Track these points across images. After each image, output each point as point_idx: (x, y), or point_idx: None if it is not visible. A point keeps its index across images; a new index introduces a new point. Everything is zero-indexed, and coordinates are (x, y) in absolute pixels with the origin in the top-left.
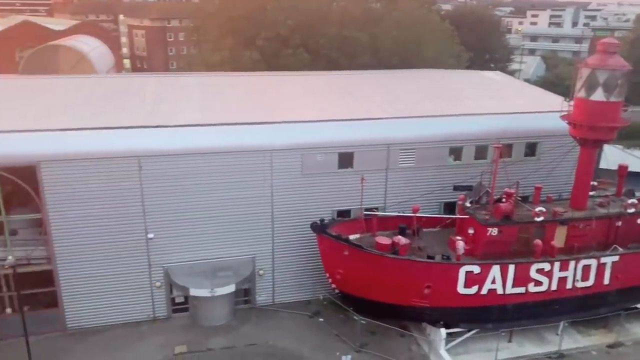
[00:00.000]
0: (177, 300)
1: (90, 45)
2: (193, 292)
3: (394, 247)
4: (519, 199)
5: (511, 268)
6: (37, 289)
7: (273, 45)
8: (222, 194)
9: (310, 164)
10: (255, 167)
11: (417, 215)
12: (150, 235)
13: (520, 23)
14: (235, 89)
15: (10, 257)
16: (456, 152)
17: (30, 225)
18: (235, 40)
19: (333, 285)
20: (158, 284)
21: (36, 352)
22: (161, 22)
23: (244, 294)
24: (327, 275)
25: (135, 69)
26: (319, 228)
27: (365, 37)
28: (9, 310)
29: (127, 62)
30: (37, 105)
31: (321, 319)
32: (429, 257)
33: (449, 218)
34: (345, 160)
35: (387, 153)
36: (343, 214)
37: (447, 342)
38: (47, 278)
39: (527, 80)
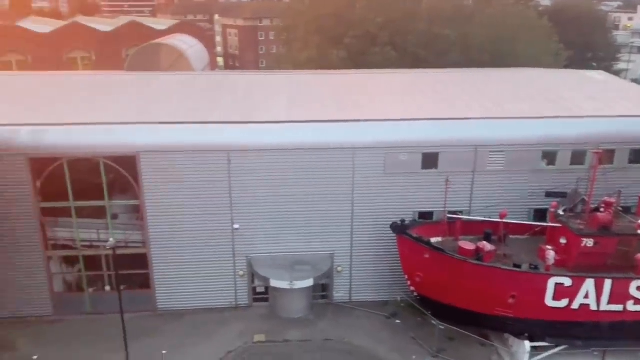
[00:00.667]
0: (258, 290)
1: (188, 44)
2: (273, 283)
3: (477, 253)
4: (620, 209)
5: (607, 283)
6: (133, 271)
7: (360, 44)
8: (305, 189)
9: (393, 163)
10: (338, 164)
11: (505, 221)
12: (236, 226)
13: (630, 19)
14: (321, 87)
15: (111, 240)
16: (550, 156)
17: (129, 210)
18: (322, 39)
19: (412, 288)
20: (241, 272)
21: (130, 328)
22: (253, 22)
23: (322, 290)
24: (406, 277)
25: (227, 66)
26: (400, 229)
27: (455, 34)
28: (108, 288)
29: (220, 60)
30: (139, 100)
31: (398, 321)
32: (516, 265)
33: (539, 226)
34: (430, 160)
35: (474, 155)
36: (425, 215)
37: (532, 355)
38: (141, 261)
39: (634, 81)
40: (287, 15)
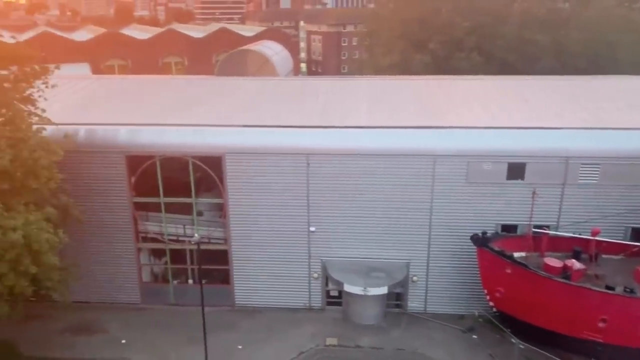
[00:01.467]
0: (332, 293)
1: (273, 50)
2: (347, 287)
3: (565, 271)
4: None
5: None
6: (214, 266)
7: (445, 48)
8: (382, 195)
9: (476, 173)
10: (418, 171)
11: (597, 239)
12: (312, 229)
13: None
14: (403, 92)
15: (196, 235)
16: None
17: (213, 208)
18: (406, 44)
19: (491, 303)
20: (315, 275)
21: (209, 321)
22: (337, 28)
23: (396, 298)
24: (485, 291)
25: (310, 72)
26: (480, 241)
27: (547, 39)
28: (190, 281)
29: (303, 66)
30: (226, 103)
31: (475, 336)
32: (608, 287)
33: (637, 246)
34: (516, 171)
35: (565, 166)
36: (508, 228)
37: None
38: (223, 257)
39: None
40: (371, 20)
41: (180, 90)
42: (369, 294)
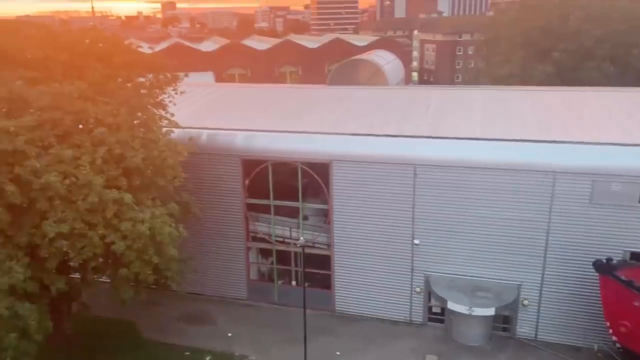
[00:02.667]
0: (434, 309)
1: (385, 59)
2: (451, 305)
3: None
4: None
5: None
6: (317, 270)
7: (571, 58)
8: (494, 212)
9: (602, 193)
10: (535, 188)
11: None
12: (417, 242)
13: None
14: (521, 103)
15: (302, 238)
16: None
17: (319, 214)
18: (527, 53)
19: (614, 338)
20: (418, 289)
21: (309, 324)
22: (452, 36)
23: (503, 321)
24: (608, 324)
25: (422, 81)
26: (605, 268)
27: None
28: (294, 283)
29: (414, 75)
30: (337, 112)
31: None
32: None
33: None
34: None
35: None
36: (638, 256)
37: None
38: (325, 262)
39: None
40: (489, 28)
41: (293, 98)
42: (475, 314)
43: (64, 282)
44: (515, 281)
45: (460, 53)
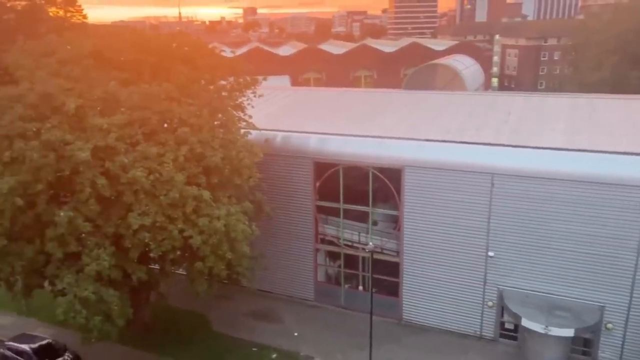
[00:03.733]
0: (507, 325)
1: (464, 64)
2: (525, 322)
3: None
4: None
5: None
6: (385, 277)
7: None
8: (577, 226)
9: None
10: (624, 203)
11: None
12: (491, 254)
13: None
14: (612, 112)
15: (370, 244)
16: None
17: (388, 219)
18: (620, 58)
19: None
20: (490, 303)
21: (376, 331)
22: (537, 41)
23: (583, 344)
24: None
25: (502, 87)
26: None
27: None
28: (360, 287)
29: (494, 81)
30: (411, 117)
31: None
32: None
33: None
34: None
35: None
36: None
37: None
38: (393, 269)
39: None
40: (578, 33)
41: (367, 102)
42: (551, 333)
43: (144, 272)
44: (598, 302)
45: (545, 58)
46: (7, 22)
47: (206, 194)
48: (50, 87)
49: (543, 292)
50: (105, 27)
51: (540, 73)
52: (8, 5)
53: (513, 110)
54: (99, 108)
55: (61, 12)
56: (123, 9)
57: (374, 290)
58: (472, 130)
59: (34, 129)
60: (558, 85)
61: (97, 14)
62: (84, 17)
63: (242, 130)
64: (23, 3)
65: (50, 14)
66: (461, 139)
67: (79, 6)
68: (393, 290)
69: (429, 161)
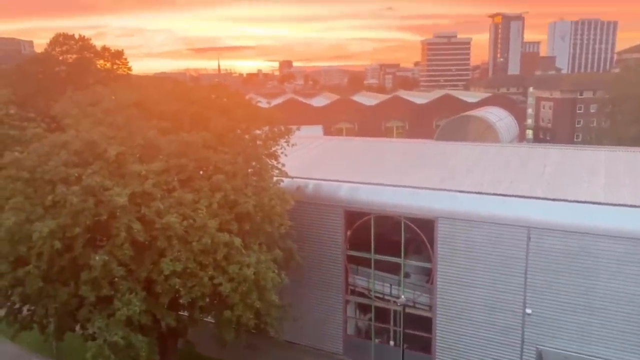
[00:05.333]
0: None
1: (497, 116)
2: None
3: None
4: None
5: None
6: (417, 332)
7: None
8: (621, 285)
9: None
10: None
11: None
12: (529, 311)
13: None
14: None
15: (402, 297)
16: None
17: (421, 272)
18: None
19: None
20: None
21: None
22: (572, 94)
23: None
24: None
25: (537, 139)
26: None
27: None
28: (392, 342)
29: (529, 133)
30: (444, 168)
31: None
32: None
33: None
34: None
35: None
36: None
37: None
38: (426, 324)
39: None
40: (615, 86)
41: (399, 152)
42: None
43: (173, 318)
44: None
45: (581, 111)
46: (58, 74)
47: (237, 241)
48: (94, 134)
49: (585, 354)
50: (148, 78)
51: (577, 126)
52: (60, 58)
53: (549, 162)
54: (138, 155)
55: (108, 65)
56: (165, 61)
57: (405, 345)
58: (507, 182)
59: (76, 174)
60: (595, 139)
61: (141, 66)
62: (129, 69)
63: (275, 178)
64: (74, 57)
65: (98, 66)
66: (495, 191)
67: (125, 59)
68: (425, 346)
69: (463, 213)
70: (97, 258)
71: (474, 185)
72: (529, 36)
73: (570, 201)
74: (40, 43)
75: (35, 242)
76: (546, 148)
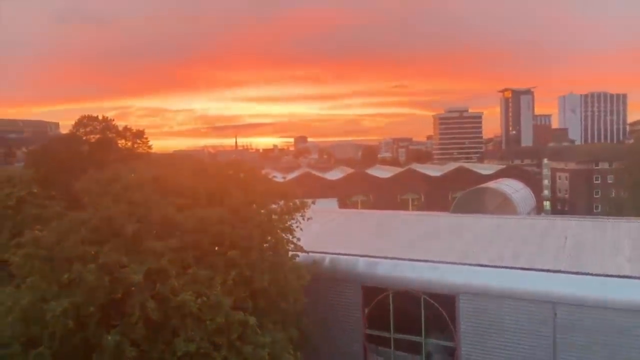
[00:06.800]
0: None
1: (513, 188)
2: None
3: None
4: None
5: None
6: None
7: None
8: None
9: None
10: None
11: None
12: None
13: None
14: None
15: None
16: None
17: (443, 351)
18: None
19: None
20: None
21: None
22: (587, 165)
23: None
24: None
25: (555, 210)
26: None
27: None
28: None
29: (547, 204)
30: (462, 241)
31: None
32: None
33: None
34: None
35: None
36: None
37: None
38: None
39: None
40: (630, 156)
41: (416, 225)
42: None
43: None
44: None
45: (598, 182)
46: (81, 153)
47: (252, 320)
48: (112, 211)
49: None
50: (167, 156)
51: (595, 196)
52: (84, 138)
53: (570, 234)
54: (155, 231)
55: (129, 144)
56: (185, 139)
57: None
58: (528, 256)
59: (93, 252)
60: (615, 209)
61: (162, 144)
62: (149, 147)
63: (290, 253)
64: (97, 136)
65: (120, 145)
66: (517, 265)
67: (146, 138)
68: None
69: (484, 288)
70: (109, 338)
71: (495, 259)
72: (539, 109)
73: (596, 275)
74: (67, 124)
75: (48, 321)
76: (566, 219)
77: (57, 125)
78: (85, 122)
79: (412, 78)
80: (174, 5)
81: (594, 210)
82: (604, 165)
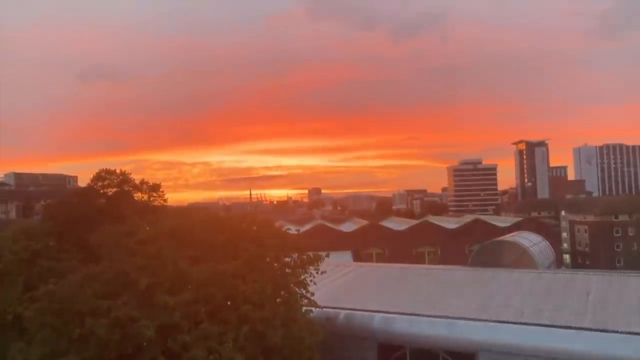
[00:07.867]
0: None
1: (531, 241)
2: None
3: None
4: None
5: None
6: None
7: None
8: None
9: None
10: None
11: None
12: None
13: None
14: None
15: None
16: None
17: None
18: None
19: None
20: None
21: None
22: (607, 217)
23: None
24: None
25: (576, 264)
26: None
27: None
28: None
29: (567, 257)
30: (480, 296)
31: None
32: None
33: None
34: None
35: None
36: None
37: None
38: None
39: None
40: None
41: (432, 279)
42: None
43: None
44: None
45: (619, 234)
46: (97, 206)
47: None
48: (126, 265)
49: None
50: (182, 209)
51: (617, 250)
52: (101, 191)
53: (592, 290)
54: (168, 285)
55: (145, 197)
56: (200, 192)
57: None
58: (549, 312)
59: (106, 306)
60: (637, 263)
61: (177, 197)
62: (165, 200)
63: (304, 308)
64: (114, 190)
65: (136, 198)
66: (538, 321)
67: (162, 191)
68: None
69: (505, 345)
70: None
71: (515, 315)
72: (553, 161)
73: (622, 332)
74: (85, 178)
75: None
76: (587, 274)
77: (75, 178)
78: (103, 175)
79: (425, 130)
80: (188, 61)
81: (617, 264)
82: (624, 218)
